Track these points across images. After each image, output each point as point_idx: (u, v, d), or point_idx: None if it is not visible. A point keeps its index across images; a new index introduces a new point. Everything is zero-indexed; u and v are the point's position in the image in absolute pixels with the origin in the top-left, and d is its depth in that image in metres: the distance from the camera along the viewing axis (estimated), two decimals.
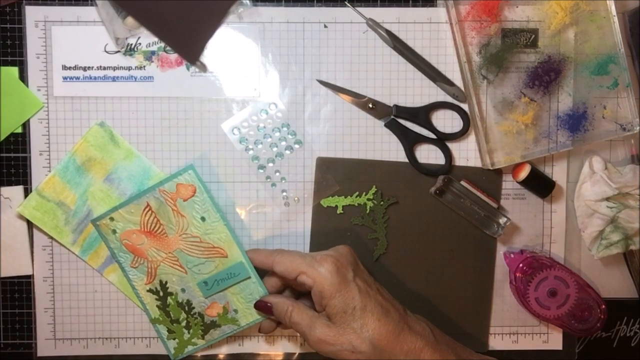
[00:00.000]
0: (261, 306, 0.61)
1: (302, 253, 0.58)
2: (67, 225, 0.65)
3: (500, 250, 0.68)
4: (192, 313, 0.65)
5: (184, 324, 0.65)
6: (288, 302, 0.59)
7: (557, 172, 0.67)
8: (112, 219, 0.63)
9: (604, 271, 0.69)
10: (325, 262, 0.56)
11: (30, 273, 0.66)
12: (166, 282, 0.64)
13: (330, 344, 0.55)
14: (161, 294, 0.64)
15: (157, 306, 0.65)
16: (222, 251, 0.63)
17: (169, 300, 0.64)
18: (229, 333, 0.65)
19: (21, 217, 0.65)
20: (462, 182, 0.65)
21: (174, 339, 0.65)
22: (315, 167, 0.66)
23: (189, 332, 0.65)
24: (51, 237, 0.65)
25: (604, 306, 0.66)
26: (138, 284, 0.64)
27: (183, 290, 0.64)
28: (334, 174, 0.66)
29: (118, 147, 0.65)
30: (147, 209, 0.63)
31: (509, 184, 0.67)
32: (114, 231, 0.63)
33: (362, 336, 0.55)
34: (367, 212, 0.66)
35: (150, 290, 0.64)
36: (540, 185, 0.66)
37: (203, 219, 0.63)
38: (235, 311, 0.64)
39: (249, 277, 0.63)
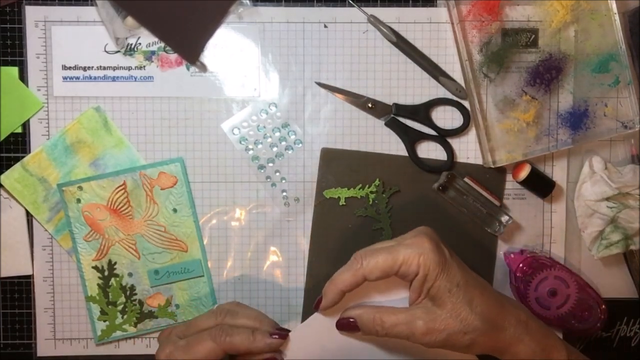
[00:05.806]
0: (345, 324, 0.54)
1: (383, 247, 0.52)
2: (45, 203, 0.65)
3: (500, 250, 0.68)
4: (132, 299, 0.65)
5: (120, 307, 0.65)
6: (370, 309, 0.53)
7: (557, 172, 0.67)
8: (80, 187, 0.63)
9: (604, 271, 0.69)
10: (422, 242, 0.51)
11: (30, 273, 0.66)
12: (115, 263, 0.65)
13: (439, 330, 0.51)
14: (106, 273, 0.65)
15: (97, 284, 0.65)
16: (183, 245, 0.65)
17: (112, 281, 0.65)
18: (164, 327, 0.65)
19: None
20: (466, 179, 0.65)
21: (105, 321, 0.65)
22: (319, 159, 0.66)
23: (122, 317, 0.65)
24: (28, 212, 0.65)
25: (604, 306, 0.65)
26: (85, 258, 0.65)
27: (130, 274, 0.65)
28: (337, 166, 0.66)
29: (110, 134, 0.65)
30: (121, 187, 0.64)
31: (509, 184, 0.67)
32: (78, 200, 0.64)
33: (472, 312, 0.51)
34: (371, 203, 0.66)
35: (95, 267, 0.65)
36: (540, 185, 0.66)
37: (175, 210, 0.64)
38: (177, 306, 0.65)
39: (202, 276, 0.65)
